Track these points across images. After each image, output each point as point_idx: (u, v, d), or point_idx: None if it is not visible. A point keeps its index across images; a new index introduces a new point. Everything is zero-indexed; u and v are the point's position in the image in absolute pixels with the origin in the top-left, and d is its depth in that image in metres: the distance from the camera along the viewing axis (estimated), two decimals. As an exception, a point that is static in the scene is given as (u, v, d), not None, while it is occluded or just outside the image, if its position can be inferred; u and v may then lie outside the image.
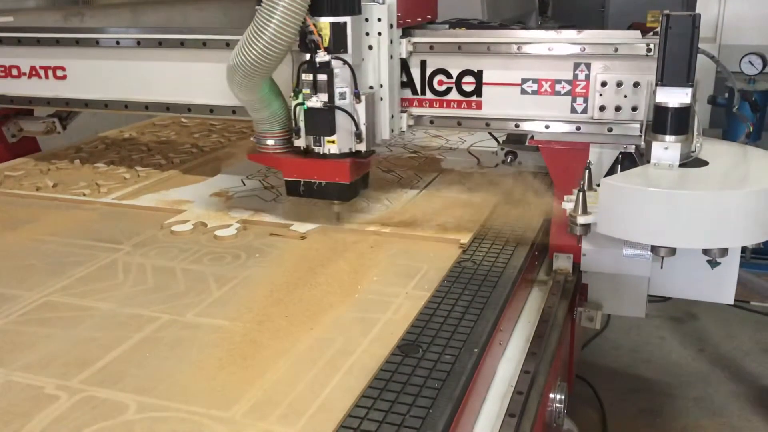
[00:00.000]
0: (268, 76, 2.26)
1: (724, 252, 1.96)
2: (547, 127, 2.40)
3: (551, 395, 2.09)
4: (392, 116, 2.47)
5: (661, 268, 2.18)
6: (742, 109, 3.79)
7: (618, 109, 2.29)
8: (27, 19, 4.58)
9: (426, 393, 1.51)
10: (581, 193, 2.09)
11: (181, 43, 2.72)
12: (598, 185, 2.11)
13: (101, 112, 3.10)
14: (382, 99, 2.41)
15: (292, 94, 2.27)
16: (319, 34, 2.19)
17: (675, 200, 1.88)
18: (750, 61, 4.18)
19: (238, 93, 2.31)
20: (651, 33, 2.21)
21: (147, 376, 1.60)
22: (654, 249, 1.96)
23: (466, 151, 3.47)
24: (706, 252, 1.95)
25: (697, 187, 1.93)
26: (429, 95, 2.50)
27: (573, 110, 2.36)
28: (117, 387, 1.56)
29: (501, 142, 2.80)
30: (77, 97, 3.02)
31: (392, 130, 2.48)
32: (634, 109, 2.27)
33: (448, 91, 2.48)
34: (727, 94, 4.20)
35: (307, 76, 2.23)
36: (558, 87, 2.35)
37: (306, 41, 2.20)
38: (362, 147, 2.34)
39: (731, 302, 2.35)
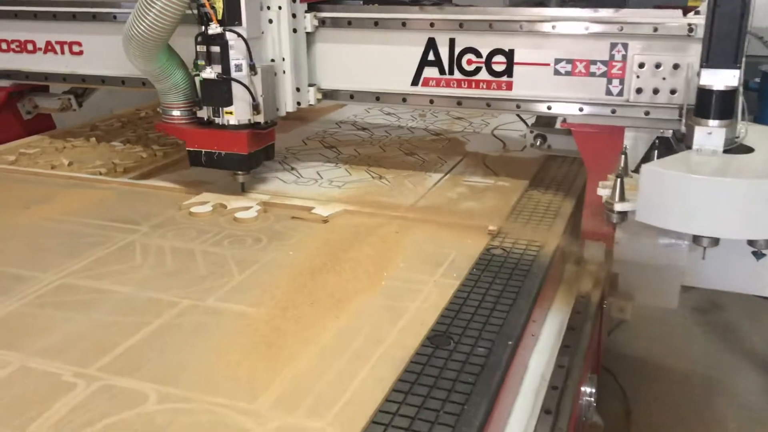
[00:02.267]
0: (161, 47, 2.31)
1: (771, 242, 1.86)
2: (580, 109, 2.31)
3: (582, 388, 2.01)
4: (298, 89, 2.51)
5: (703, 258, 2.09)
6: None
7: (656, 91, 2.20)
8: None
9: (460, 388, 1.44)
10: (619, 180, 1.99)
11: (200, 18, 2.63)
12: (634, 171, 2.04)
13: (118, 89, 3.03)
14: (285, 72, 2.45)
15: (193, 65, 2.33)
16: (213, 7, 2.22)
17: (719, 188, 1.78)
18: (784, 45, 4.03)
19: (136, 63, 2.36)
20: (692, 12, 2.13)
21: (168, 364, 1.54)
22: (696, 239, 1.87)
23: (491, 134, 3.37)
24: (751, 243, 1.86)
25: (742, 174, 1.83)
26: (457, 75, 2.41)
27: (608, 92, 2.27)
28: (136, 375, 1.49)
29: (530, 124, 2.71)
30: (94, 73, 2.95)
31: (298, 103, 2.53)
32: (673, 92, 2.18)
33: (477, 71, 2.39)
34: (758, 79, 4.08)
35: (201, 48, 2.28)
36: (593, 68, 2.27)
37: (200, 13, 2.25)
38: (261, 119, 2.38)
39: (774, 294, 2.26)
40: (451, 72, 2.42)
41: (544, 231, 2.25)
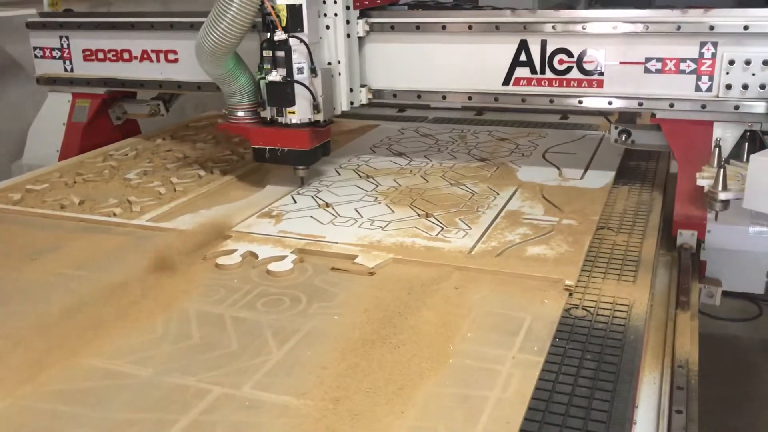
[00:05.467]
0: (230, 54, 2.51)
1: None
2: (671, 105, 2.40)
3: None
4: (351, 90, 2.71)
5: None
6: None
7: (745, 87, 2.30)
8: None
9: None
10: (722, 170, 2.08)
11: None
12: (727, 162, 2.18)
13: (212, 94, 3.04)
14: (340, 74, 2.65)
15: (258, 69, 2.51)
16: (277, 15, 2.39)
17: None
18: None
19: (206, 69, 2.58)
20: None
21: (200, 485, 1.24)
22: None
23: (542, 158, 3.05)
24: None
25: None
26: (549, 74, 2.51)
27: (698, 89, 2.37)
28: (162, 504, 1.20)
29: (613, 120, 2.76)
30: (189, 79, 3.09)
31: (351, 103, 2.73)
32: (762, 86, 2.28)
33: (568, 70, 2.49)
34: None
35: (267, 53, 2.46)
36: (683, 66, 2.37)
37: (266, 21, 2.42)
38: (320, 117, 2.57)
39: None
40: (543, 71, 2.52)
41: (628, 284, 1.93)
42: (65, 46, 3.31)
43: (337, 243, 2.20)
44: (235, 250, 2.17)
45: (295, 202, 2.60)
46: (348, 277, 2.01)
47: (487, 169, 2.92)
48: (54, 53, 3.33)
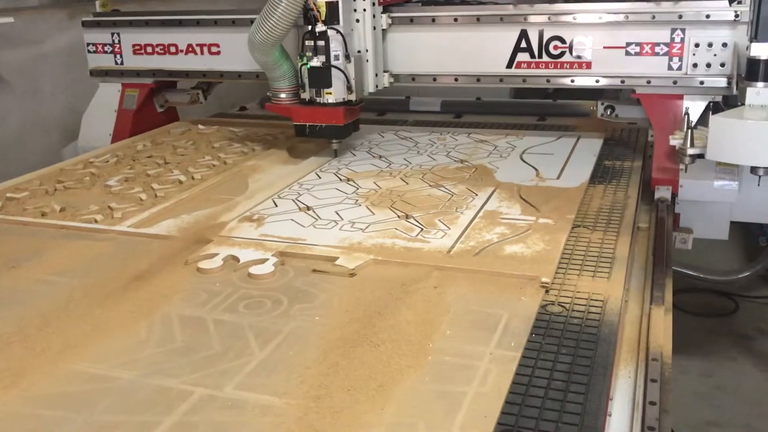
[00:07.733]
0: (278, 45, 2.93)
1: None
2: (648, 82, 2.89)
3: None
4: (376, 74, 3.16)
5: (758, 185, 2.60)
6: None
7: (708, 65, 2.79)
8: (30, 18, 4.25)
9: None
10: (690, 131, 2.50)
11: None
12: (694, 126, 2.57)
13: (252, 82, 3.56)
14: (367, 61, 3.10)
15: (298, 57, 2.96)
16: (318, 11, 2.84)
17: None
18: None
19: (255, 57, 3.00)
20: (736, 2, 2.68)
21: (183, 484, 1.26)
22: (753, 169, 2.36)
23: (520, 159, 3.10)
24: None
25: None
26: (545, 58, 2.99)
27: (670, 68, 2.86)
28: (146, 503, 1.22)
29: (599, 98, 3.36)
30: (231, 69, 3.52)
31: (377, 86, 3.18)
32: (722, 65, 2.78)
33: (562, 54, 2.97)
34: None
35: (309, 43, 2.91)
36: (657, 49, 2.86)
37: (308, 16, 2.87)
38: (353, 97, 3.00)
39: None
40: (540, 56, 3.00)
41: (603, 280, 1.97)
42: (116, 41, 3.73)
43: (317, 245, 2.23)
44: (217, 254, 2.18)
45: (276, 205, 2.62)
46: (329, 279, 2.04)
47: (466, 170, 2.96)
48: (105, 48, 3.75)
